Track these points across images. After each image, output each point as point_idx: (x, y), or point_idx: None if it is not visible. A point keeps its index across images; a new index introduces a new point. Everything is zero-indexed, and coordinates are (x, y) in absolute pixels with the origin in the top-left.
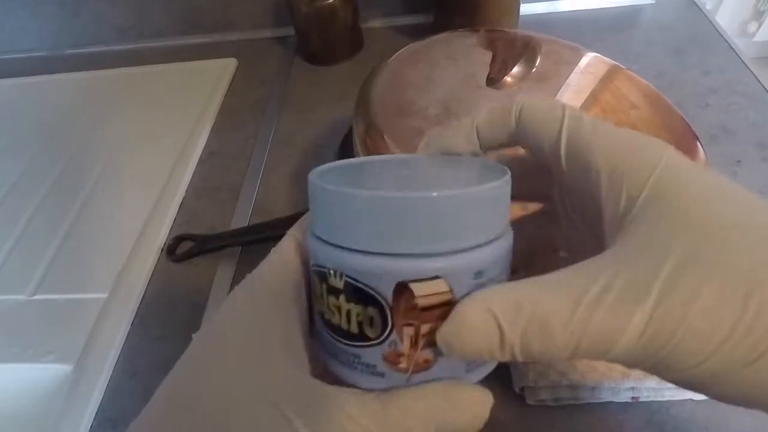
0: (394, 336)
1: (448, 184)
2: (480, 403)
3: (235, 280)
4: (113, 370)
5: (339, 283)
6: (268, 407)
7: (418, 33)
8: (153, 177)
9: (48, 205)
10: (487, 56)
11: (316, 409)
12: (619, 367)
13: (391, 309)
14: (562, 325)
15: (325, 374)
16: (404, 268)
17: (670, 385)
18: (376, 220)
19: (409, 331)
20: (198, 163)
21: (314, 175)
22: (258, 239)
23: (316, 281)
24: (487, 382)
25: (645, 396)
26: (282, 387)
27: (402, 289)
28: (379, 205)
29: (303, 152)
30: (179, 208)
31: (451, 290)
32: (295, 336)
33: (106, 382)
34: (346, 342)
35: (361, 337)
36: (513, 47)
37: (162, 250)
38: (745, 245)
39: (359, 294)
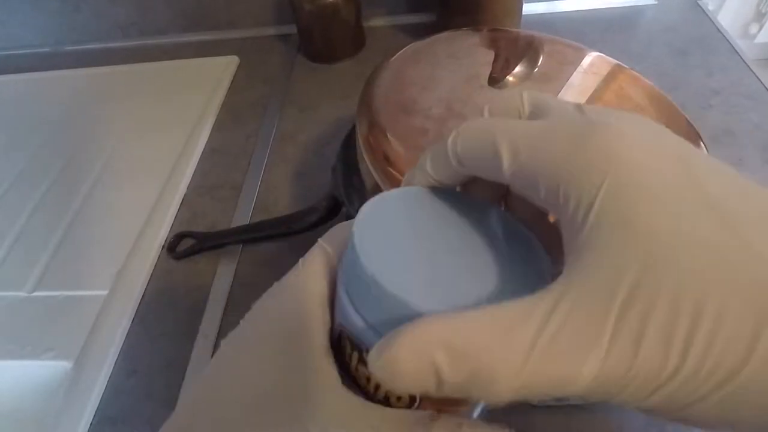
0: (417, 408)
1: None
2: None
3: (236, 278)
4: (113, 368)
5: None
6: (310, 419)
7: (421, 32)
8: (154, 174)
9: (48, 202)
10: (490, 55)
11: (357, 424)
12: None
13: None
14: (513, 375)
15: None
16: None
17: None
18: None
19: (432, 407)
20: (199, 161)
21: (362, 254)
22: (259, 237)
23: (347, 344)
24: None
25: None
26: (322, 402)
27: None
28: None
29: (305, 150)
30: (180, 205)
31: None
32: (328, 350)
33: (106, 380)
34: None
35: (386, 402)
36: (515, 46)
37: (163, 247)
38: (691, 266)
39: None
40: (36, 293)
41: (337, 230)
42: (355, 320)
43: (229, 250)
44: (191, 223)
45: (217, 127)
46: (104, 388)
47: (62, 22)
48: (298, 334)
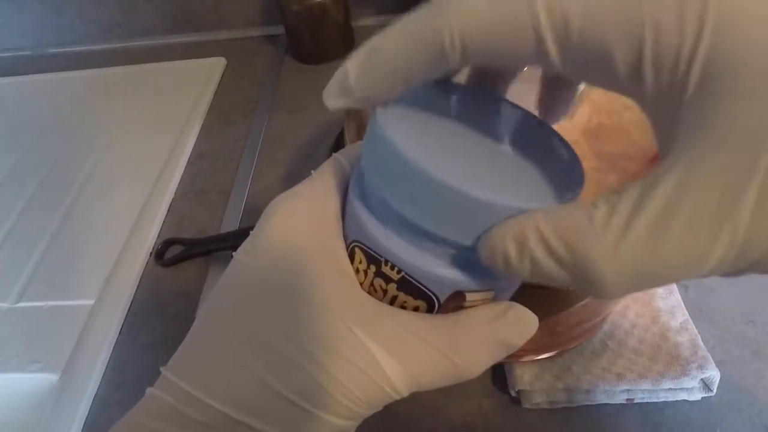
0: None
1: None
2: (532, 320)
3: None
4: (101, 380)
5: (393, 275)
6: (332, 317)
7: None
8: (141, 179)
9: (32, 209)
10: None
11: (380, 326)
12: (614, 369)
13: (439, 305)
14: (627, 261)
15: None
16: (469, 281)
17: (665, 386)
18: (465, 220)
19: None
20: (187, 165)
21: (388, 130)
22: None
23: (360, 258)
24: (483, 385)
25: (640, 398)
26: (344, 300)
27: (456, 293)
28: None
29: (294, 153)
30: (168, 211)
31: (494, 297)
32: (345, 259)
33: (94, 393)
34: None
35: None
36: None
37: (150, 254)
38: None
39: (413, 288)
40: (20, 304)
41: (354, 147)
42: (375, 233)
43: (219, 257)
44: (179, 229)
45: (205, 130)
46: (92, 401)
47: (44, 23)
48: (315, 248)
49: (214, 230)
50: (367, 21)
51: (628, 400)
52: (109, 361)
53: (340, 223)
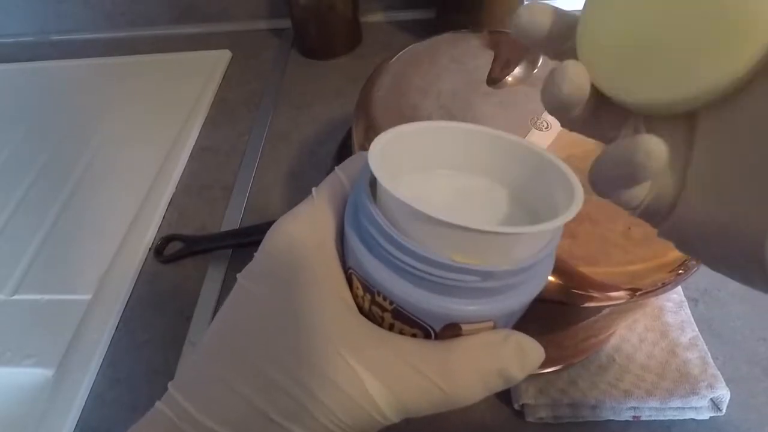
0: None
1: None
2: (537, 351)
3: (226, 284)
4: (96, 376)
5: (386, 305)
6: (322, 343)
7: (419, 29)
8: (141, 173)
9: (30, 200)
10: (491, 59)
11: (370, 351)
12: (621, 386)
13: (436, 335)
14: None
15: None
16: (461, 313)
17: (673, 405)
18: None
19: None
20: (189, 159)
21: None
22: (250, 242)
23: (357, 285)
24: (486, 398)
25: (647, 415)
26: (335, 326)
27: (450, 325)
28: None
29: (299, 150)
30: (168, 206)
31: (494, 325)
32: (341, 284)
33: (89, 389)
34: None
35: None
36: (515, 48)
37: (150, 250)
38: None
39: (406, 318)
40: (16, 296)
41: (355, 159)
42: (367, 265)
43: (219, 254)
44: (179, 224)
45: (208, 124)
46: (86, 397)
47: (47, 10)
48: (311, 273)
49: (215, 227)
50: (376, 17)
51: (634, 417)
52: (104, 357)
53: (339, 246)
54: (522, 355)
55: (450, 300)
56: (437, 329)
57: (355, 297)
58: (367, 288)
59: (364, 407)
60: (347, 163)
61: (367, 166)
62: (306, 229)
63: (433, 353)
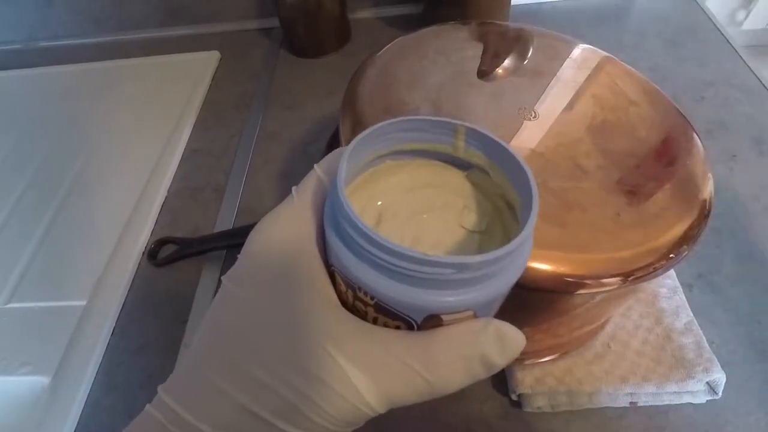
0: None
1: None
2: (517, 338)
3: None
4: (92, 383)
5: (368, 300)
6: (306, 339)
7: (407, 24)
8: (133, 176)
9: (22, 208)
10: (479, 51)
11: (354, 344)
12: (617, 372)
13: (418, 326)
14: None
15: None
16: (441, 304)
17: (669, 389)
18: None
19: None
20: (180, 162)
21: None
22: (243, 243)
23: (340, 281)
24: (483, 388)
25: (643, 401)
26: (319, 322)
27: (431, 316)
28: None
29: (290, 150)
30: (161, 209)
31: (475, 314)
32: (324, 281)
33: (85, 396)
34: None
35: None
36: (504, 40)
37: (143, 254)
38: None
39: (387, 312)
40: (11, 305)
41: (334, 156)
42: (346, 262)
43: (213, 256)
44: (173, 227)
45: (199, 126)
46: (83, 404)
47: (34, 16)
48: (296, 270)
49: (208, 228)
50: (364, 13)
51: (631, 403)
52: (100, 364)
53: (320, 244)
54: (502, 342)
55: (428, 292)
56: (419, 321)
57: (339, 293)
58: (349, 284)
59: (351, 401)
60: (326, 159)
61: (342, 163)
62: (287, 229)
63: (415, 344)
